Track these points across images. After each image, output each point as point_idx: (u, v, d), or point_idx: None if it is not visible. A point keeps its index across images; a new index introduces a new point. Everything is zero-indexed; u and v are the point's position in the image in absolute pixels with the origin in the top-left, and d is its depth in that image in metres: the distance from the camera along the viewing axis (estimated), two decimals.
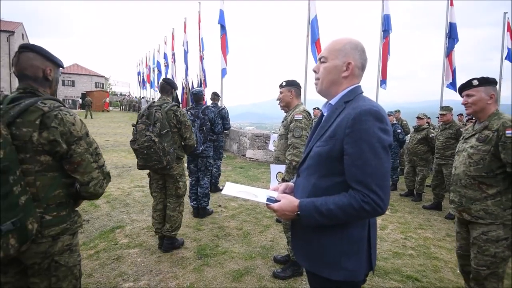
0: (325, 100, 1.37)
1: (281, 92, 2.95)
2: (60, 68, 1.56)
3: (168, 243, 3.22)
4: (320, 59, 1.31)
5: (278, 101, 3.03)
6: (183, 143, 3.21)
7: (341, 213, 1.12)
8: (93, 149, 1.45)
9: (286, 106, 2.98)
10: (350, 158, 1.13)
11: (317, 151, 1.24)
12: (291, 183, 1.46)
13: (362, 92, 1.28)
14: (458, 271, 3.16)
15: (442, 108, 5.21)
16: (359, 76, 1.30)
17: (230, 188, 1.42)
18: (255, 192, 1.41)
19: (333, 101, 1.28)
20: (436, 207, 5.29)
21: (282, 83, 2.95)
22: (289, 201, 1.23)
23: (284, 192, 1.39)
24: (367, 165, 1.11)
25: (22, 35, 32.86)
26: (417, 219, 4.79)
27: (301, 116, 2.74)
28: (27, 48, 1.41)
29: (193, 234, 3.72)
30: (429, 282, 2.94)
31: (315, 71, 1.34)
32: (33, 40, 36.48)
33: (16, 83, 23.51)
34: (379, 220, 4.60)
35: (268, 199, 1.32)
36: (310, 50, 8.66)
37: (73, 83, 42.77)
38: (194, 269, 2.92)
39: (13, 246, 1.19)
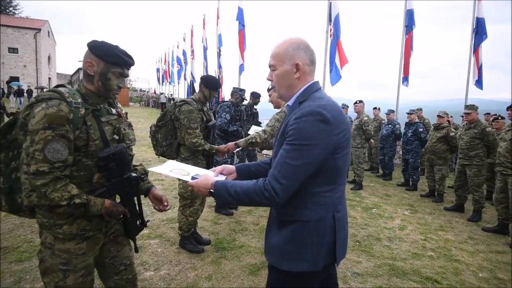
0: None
1: (269, 95, 3.29)
2: (117, 66, 1.41)
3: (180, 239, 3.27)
4: (270, 67, 1.34)
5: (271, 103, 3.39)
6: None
7: (245, 196, 1.20)
8: (32, 150, 1.21)
9: (277, 106, 3.30)
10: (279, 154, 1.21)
11: (275, 150, 1.31)
12: (230, 166, 1.50)
13: (319, 88, 1.30)
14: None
15: (466, 106, 5.03)
16: (311, 71, 1.32)
17: (166, 167, 1.51)
18: (191, 171, 1.49)
19: (290, 102, 1.33)
20: (458, 209, 5.13)
21: (269, 86, 3.29)
22: (206, 179, 1.31)
23: (221, 174, 1.46)
24: (284, 158, 1.16)
25: (48, 32, 34.15)
26: (438, 220, 4.68)
27: (281, 110, 3.14)
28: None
29: (211, 228, 3.79)
30: (449, 284, 2.88)
31: (270, 80, 1.36)
32: (58, 38, 37.82)
33: (42, 79, 24.35)
34: (397, 220, 4.53)
35: (192, 178, 1.40)
36: (329, 47, 8.56)
37: None
38: (212, 261, 2.98)
39: (4, 206, 1.40)
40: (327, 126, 1.15)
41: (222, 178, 1.42)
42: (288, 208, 1.25)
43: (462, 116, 5.86)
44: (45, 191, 1.22)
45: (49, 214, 1.34)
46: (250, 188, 1.20)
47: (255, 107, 5.43)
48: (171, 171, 1.46)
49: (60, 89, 1.35)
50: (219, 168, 1.47)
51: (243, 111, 4.70)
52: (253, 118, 5.29)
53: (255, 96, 5.46)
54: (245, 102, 5.08)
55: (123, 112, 1.64)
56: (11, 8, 43.05)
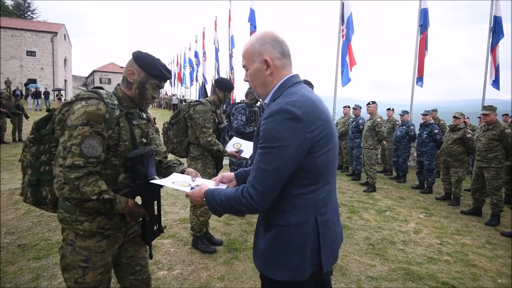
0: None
1: None
2: (156, 78, 1.47)
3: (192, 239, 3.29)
4: (244, 68, 1.29)
5: None
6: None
7: (228, 203, 1.17)
8: (70, 144, 1.27)
9: None
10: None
11: (255, 153, 1.24)
12: (229, 174, 1.47)
13: (297, 82, 1.21)
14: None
15: (485, 107, 4.90)
16: (285, 64, 1.23)
17: (169, 179, 1.53)
18: (192, 182, 1.51)
19: (267, 100, 1.26)
20: (475, 212, 5.00)
21: None
22: (200, 189, 1.29)
23: (222, 182, 1.44)
24: (258, 162, 1.11)
25: (64, 35, 35.03)
26: (454, 224, 4.56)
27: None
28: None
29: (223, 228, 3.81)
30: None
31: (246, 81, 1.32)
32: (74, 40, 38.84)
33: (58, 81, 25.05)
34: (412, 224, 4.44)
35: (191, 188, 1.41)
36: (341, 48, 8.50)
37: (109, 81, 45.08)
38: (224, 262, 2.99)
39: (29, 198, 1.45)
40: (297, 124, 1.06)
41: (223, 186, 1.40)
42: (270, 211, 1.19)
43: (480, 117, 5.72)
44: (77, 185, 1.27)
45: (72, 209, 1.38)
46: (231, 196, 1.16)
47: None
48: (173, 183, 1.49)
49: (98, 90, 1.43)
50: (218, 177, 1.46)
51: (257, 111, 4.71)
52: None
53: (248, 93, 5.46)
54: (258, 104, 5.08)
55: (152, 117, 1.70)
56: (29, 13, 44.48)
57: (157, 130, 1.72)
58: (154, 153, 1.55)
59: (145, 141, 1.55)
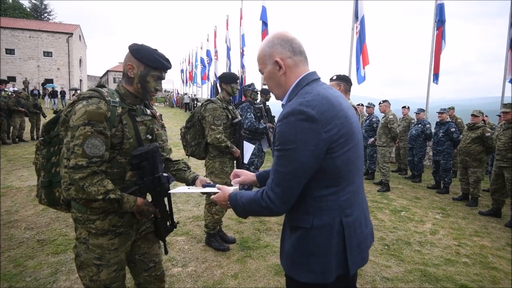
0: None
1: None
2: (156, 69, 1.45)
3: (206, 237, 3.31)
4: (260, 72, 1.29)
5: None
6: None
7: (249, 206, 1.18)
8: (72, 145, 1.27)
9: None
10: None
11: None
12: (248, 172, 1.50)
13: (313, 80, 1.18)
14: None
15: (505, 105, 4.73)
16: (298, 62, 1.20)
17: (184, 187, 1.59)
18: (203, 189, 1.54)
19: (284, 101, 1.23)
20: (494, 213, 4.84)
21: (332, 76, 2.97)
22: (223, 192, 1.32)
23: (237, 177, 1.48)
24: (275, 165, 1.12)
25: (79, 36, 35.82)
26: (472, 225, 4.43)
27: None
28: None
29: (236, 227, 3.81)
30: None
31: (265, 84, 1.31)
32: (88, 40, 39.65)
33: (74, 81, 25.59)
34: (428, 224, 4.34)
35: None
36: (355, 45, 8.38)
37: None
38: (237, 260, 3.00)
39: (43, 199, 1.48)
40: (312, 124, 1.04)
41: (235, 186, 1.43)
42: (293, 213, 1.19)
43: (499, 115, 5.53)
44: (82, 185, 1.27)
45: (83, 208, 1.39)
46: (251, 198, 1.17)
47: (267, 103, 5.42)
48: (189, 189, 1.53)
49: (100, 89, 1.42)
50: (232, 172, 1.51)
51: (262, 108, 4.68)
52: (267, 114, 5.27)
53: (265, 93, 5.43)
54: (259, 100, 5.04)
55: (158, 114, 1.68)
56: (45, 14, 45.63)
57: (163, 126, 1.70)
58: (159, 149, 1.53)
59: (150, 137, 1.54)
